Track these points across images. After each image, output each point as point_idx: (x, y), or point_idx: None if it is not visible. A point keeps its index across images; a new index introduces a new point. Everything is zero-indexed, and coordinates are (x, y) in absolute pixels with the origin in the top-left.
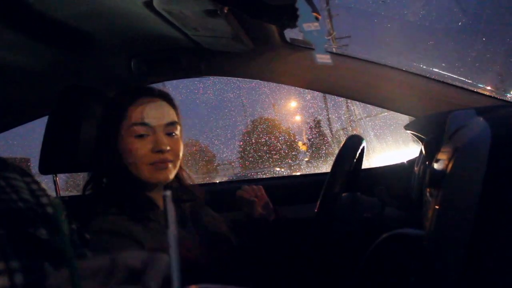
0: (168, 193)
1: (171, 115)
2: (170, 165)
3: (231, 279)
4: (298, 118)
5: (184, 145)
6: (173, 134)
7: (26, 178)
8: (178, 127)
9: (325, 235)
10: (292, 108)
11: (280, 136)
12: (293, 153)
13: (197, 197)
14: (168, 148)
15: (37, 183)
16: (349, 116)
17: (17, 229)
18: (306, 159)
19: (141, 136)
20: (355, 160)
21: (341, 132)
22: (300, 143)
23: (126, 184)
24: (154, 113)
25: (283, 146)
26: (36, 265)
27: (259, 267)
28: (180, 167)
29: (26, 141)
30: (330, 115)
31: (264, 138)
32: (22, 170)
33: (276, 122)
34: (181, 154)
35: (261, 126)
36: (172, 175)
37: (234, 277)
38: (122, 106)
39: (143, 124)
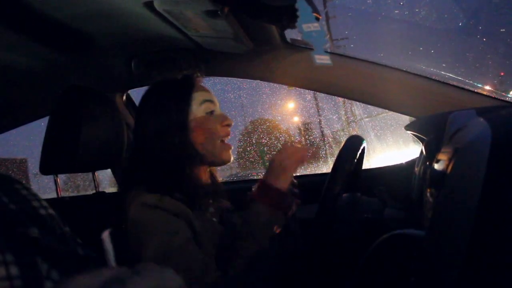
0: (106, 233)
1: None
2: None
3: (231, 280)
4: (298, 118)
5: None
6: None
7: (16, 185)
8: None
9: (325, 236)
10: (292, 109)
11: (280, 137)
12: None
13: (225, 194)
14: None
15: (28, 189)
16: (349, 116)
17: (9, 228)
18: None
19: (211, 113)
20: (355, 161)
21: (341, 132)
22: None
23: (191, 171)
24: (211, 94)
25: None
26: (29, 259)
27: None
28: None
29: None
30: (330, 116)
31: (264, 139)
32: (11, 178)
33: (276, 122)
34: None
35: (261, 127)
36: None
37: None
38: (189, 87)
39: (211, 101)
